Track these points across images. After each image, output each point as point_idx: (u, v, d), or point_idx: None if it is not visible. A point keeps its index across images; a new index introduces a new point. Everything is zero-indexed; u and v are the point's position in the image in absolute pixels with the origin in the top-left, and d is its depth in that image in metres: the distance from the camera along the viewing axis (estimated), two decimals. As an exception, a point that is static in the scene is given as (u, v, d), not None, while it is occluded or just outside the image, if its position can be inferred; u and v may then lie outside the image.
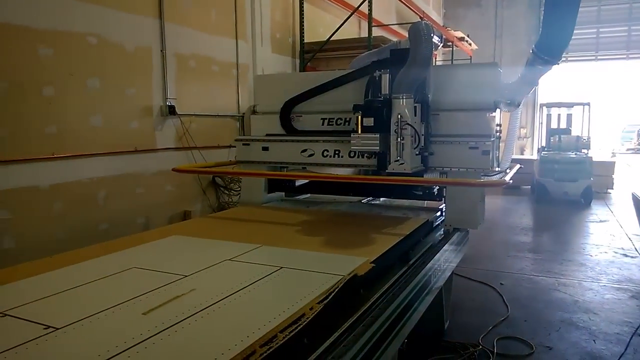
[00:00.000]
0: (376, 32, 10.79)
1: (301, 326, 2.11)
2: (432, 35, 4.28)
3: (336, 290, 2.48)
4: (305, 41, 10.14)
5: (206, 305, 2.32)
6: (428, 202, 5.24)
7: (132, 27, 6.37)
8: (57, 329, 2.09)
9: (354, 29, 12.11)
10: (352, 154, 4.70)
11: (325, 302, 2.34)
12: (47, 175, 5.38)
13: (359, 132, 4.29)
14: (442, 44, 4.76)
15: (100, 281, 2.72)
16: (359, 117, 4.28)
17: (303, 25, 10.08)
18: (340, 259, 3.17)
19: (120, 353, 1.86)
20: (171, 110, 6.98)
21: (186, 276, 2.76)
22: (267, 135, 5.34)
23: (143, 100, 6.65)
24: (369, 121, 4.24)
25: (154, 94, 6.82)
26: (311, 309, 2.26)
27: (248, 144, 5.34)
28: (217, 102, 8.07)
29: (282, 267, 2.92)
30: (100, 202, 6.02)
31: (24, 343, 1.97)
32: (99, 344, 1.94)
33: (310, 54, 10.12)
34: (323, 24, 10.85)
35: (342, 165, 4.97)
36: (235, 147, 5.47)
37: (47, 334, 2.05)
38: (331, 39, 9.88)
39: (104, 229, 6.01)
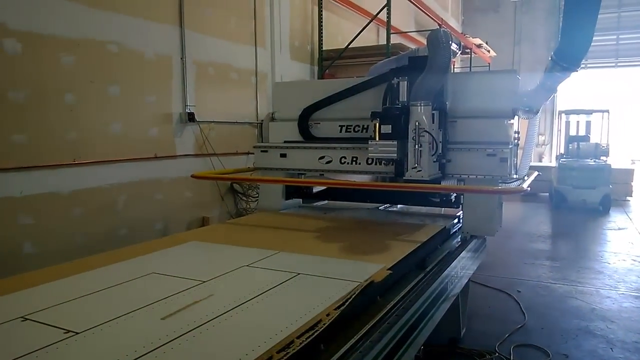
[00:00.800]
0: (394, 39, 10.81)
1: (318, 332, 2.12)
2: (450, 42, 4.30)
3: (353, 296, 2.50)
4: (323, 49, 10.18)
5: (224, 311, 2.35)
6: (445, 209, 5.24)
7: (152, 35, 6.46)
8: (77, 333, 2.13)
9: (372, 37, 12.14)
10: (369, 161, 4.72)
11: (342, 308, 2.36)
12: (68, 182, 5.46)
13: (377, 139, 4.31)
14: (460, 51, 4.76)
15: (119, 286, 2.76)
16: (377, 124, 4.29)
17: (322, 33, 10.13)
18: (357, 265, 3.19)
19: (139, 357, 1.90)
20: (190, 117, 7.05)
21: (204, 282, 2.79)
22: (285, 142, 5.38)
23: (163, 108, 6.73)
24: (387, 128, 4.25)
25: (174, 101, 6.90)
26: (328, 315, 2.28)
27: (266, 151, 5.37)
28: (236, 109, 8.13)
29: (299, 274, 2.95)
30: (120, 208, 6.10)
31: (45, 347, 2.00)
32: (119, 349, 1.98)
33: (328, 62, 10.16)
34: (342, 32, 10.89)
35: (360, 172, 4.99)
36: (253, 153, 5.52)
37: (67, 338, 2.09)
38: (349, 46, 9.92)
39: (124, 235, 6.08)
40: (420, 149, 4.16)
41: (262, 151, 5.41)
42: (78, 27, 5.50)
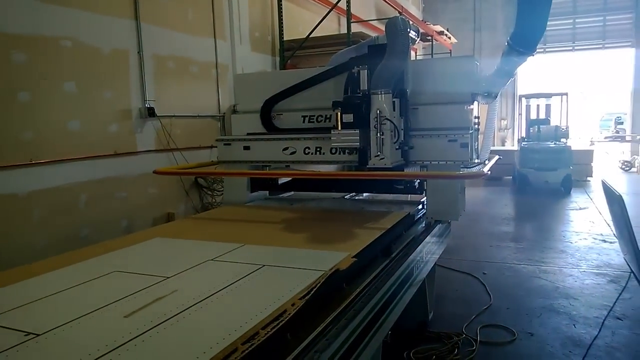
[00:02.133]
0: (355, 27, 10.81)
1: (283, 322, 2.12)
2: (408, 29, 4.31)
3: (318, 285, 2.50)
4: (284, 39, 10.12)
5: (188, 305, 2.32)
6: (411, 196, 5.27)
7: (107, 29, 6.32)
8: (38, 335, 2.08)
9: (333, 26, 12.13)
10: (333, 151, 4.72)
11: (307, 297, 2.36)
12: (25, 182, 5.32)
13: (339, 128, 4.32)
14: (419, 38, 4.77)
15: (81, 286, 2.70)
16: (339, 113, 4.30)
17: (282, 23, 10.06)
18: (322, 254, 3.19)
19: (102, 356, 1.86)
20: (150, 112, 6.93)
21: (168, 277, 2.76)
22: (248, 134, 5.34)
23: (121, 103, 6.60)
24: (349, 117, 4.27)
25: (132, 96, 6.77)
26: (293, 305, 2.27)
27: (229, 144, 5.34)
28: (198, 103, 8.03)
29: (264, 265, 2.93)
30: (82, 207, 5.98)
31: (5, 350, 1.95)
32: (81, 349, 1.94)
33: (290, 52, 10.11)
34: (302, 22, 10.84)
35: (324, 162, 4.98)
36: (216, 147, 5.47)
37: (27, 340, 2.04)
38: (311, 36, 9.87)
39: (86, 234, 5.97)
40: (382, 137, 4.21)
41: (225, 144, 5.37)
42: (29, 24, 5.33)
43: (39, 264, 3.23)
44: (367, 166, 4.36)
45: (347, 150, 4.59)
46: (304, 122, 5.13)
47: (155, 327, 2.10)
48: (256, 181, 5.48)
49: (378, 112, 4.20)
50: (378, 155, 4.24)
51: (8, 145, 5.14)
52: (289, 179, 5.63)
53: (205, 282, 2.70)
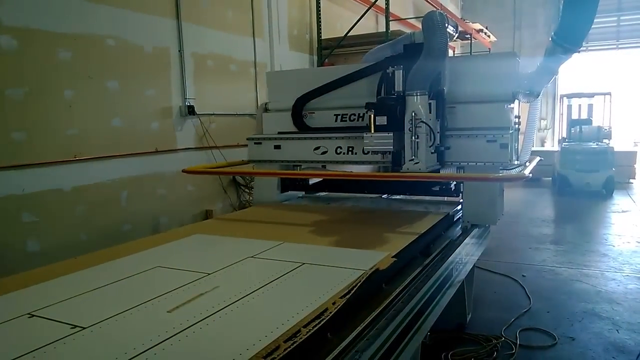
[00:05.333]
0: (393, 26, 10.74)
1: (324, 321, 2.12)
2: (446, 24, 4.15)
3: (359, 284, 2.50)
4: (322, 37, 10.12)
5: (230, 302, 2.35)
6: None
7: (149, 28, 6.42)
8: (84, 328, 2.13)
9: (371, 24, 12.08)
10: (366, 151, 4.56)
11: (348, 296, 2.36)
12: (69, 178, 5.45)
13: (372, 131, 4.19)
14: (457, 34, 4.62)
15: (125, 281, 2.76)
16: (372, 115, 4.18)
17: (320, 22, 10.06)
18: (362, 254, 3.19)
19: (146, 350, 1.90)
20: (190, 110, 7.03)
21: (209, 274, 2.79)
22: (279, 133, 5.26)
23: (162, 101, 6.71)
24: (382, 120, 4.15)
25: (173, 94, 6.88)
26: (334, 304, 2.27)
27: (260, 143, 5.27)
28: (236, 101, 8.10)
29: (304, 263, 2.94)
30: (123, 203, 6.10)
31: (52, 342, 2.00)
32: (126, 342, 1.98)
33: (327, 51, 10.11)
34: (340, 20, 10.84)
35: (356, 163, 4.88)
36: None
37: (74, 333, 2.09)
38: (349, 34, 9.85)
39: (127, 230, 6.09)
40: (417, 140, 4.07)
41: (255, 143, 5.30)
42: (75, 22, 5.46)
43: (83, 258, 3.32)
44: (402, 171, 4.22)
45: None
46: (336, 120, 5.00)
47: (198, 322, 2.13)
48: (287, 181, 5.39)
49: (413, 114, 4.05)
50: (412, 160, 4.09)
51: (54, 141, 5.28)
52: (320, 179, 5.54)
53: (246, 279, 2.73)
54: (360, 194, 5.54)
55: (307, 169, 5.34)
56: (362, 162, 4.88)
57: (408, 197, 5.53)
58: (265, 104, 5.52)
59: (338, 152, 4.86)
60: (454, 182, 4.84)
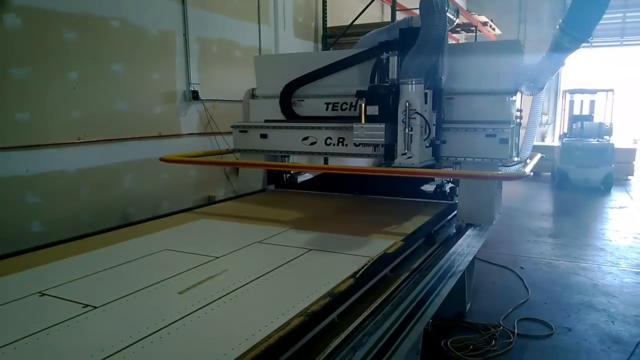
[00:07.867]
0: (400, 16, 10.68)
1: (332, 303, 2.16)
2: (446, 8, 3.78)
3: (365, 267, 2.53)
4: (328, 25, 10.08)
5: (239, 285, 2.39)
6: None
7: (155, 11, 6.37)
8: (96, 307, 2.16)
9: (377, 14, 12.02)
10: (357, 143, 4.26)
11: (355, 280, 2.39)
12: (73, 160, 5.45)
13: (363, 121, 3.92)
14: (457, 19, 4.29)
15: (134, 262, 2.80)
16: (363, 104, 3.91)
17: (326, 9, 10.01)
18: (367, 241, 3.23)
19: (160, 330, 1.94)
20: (194, 96, 7.00)
21: (218, 257, 2.83)
22: (266, 121, 5.00)
23: (166, 86, 6.68)
24: (374, 110, 3.87)
25: (177, 79, 6.85)
26: (342, 284, 2.31)
27: (245, 131, 5.01)
28: (241, 87, 8.05)
29: (311, 249, 2.98)
30: (126, 186, 6.11)
31: (65, 321, 2.04)
32: (139, 322, 2.01)
33: (332, 39, 10.06)
34: (347, 8, 10.77)
35: (346, 155, 4.61)
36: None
37: (86, 312, 2.13)
38: (354, 23, 9.81)
39: (131, 213, 6.10)
40: (410, 132, 3.78)
41: (240, 131, 5.03)
42: (80, 2, 5.42)
43: (90, 240, 3.35)
44: (393, 165, 3.94)
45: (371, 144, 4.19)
46: (327, 109, 4.72)
47: (209, 304, 2.17)
48: (274, 175, 5.08)
49: (407, 104, 3.76)
50: (405, 154, 3.81)
51: (58, 123, 5.28)
52: (310, 177, 5.26)
53: (254, 263, 2.76)
54: (349, 193, 5.11)
55: (294, 162, 5.05)
56: (353, 155, 4.60)
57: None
58: (253, 90, 5.25)
59: (328, 143, 4.61)
60: (450, 185, 4.64)
